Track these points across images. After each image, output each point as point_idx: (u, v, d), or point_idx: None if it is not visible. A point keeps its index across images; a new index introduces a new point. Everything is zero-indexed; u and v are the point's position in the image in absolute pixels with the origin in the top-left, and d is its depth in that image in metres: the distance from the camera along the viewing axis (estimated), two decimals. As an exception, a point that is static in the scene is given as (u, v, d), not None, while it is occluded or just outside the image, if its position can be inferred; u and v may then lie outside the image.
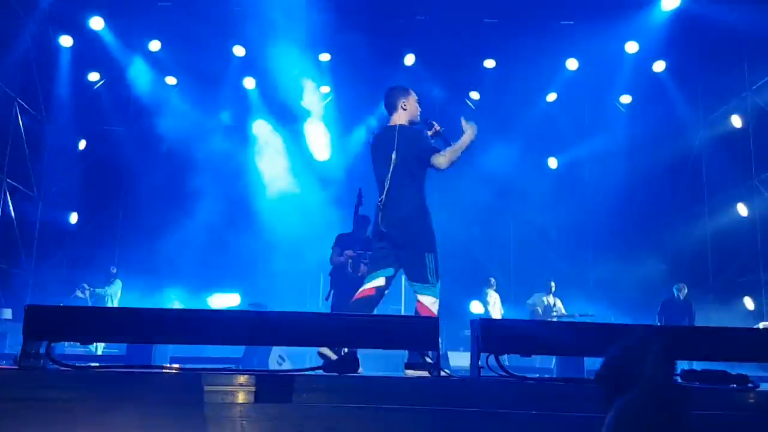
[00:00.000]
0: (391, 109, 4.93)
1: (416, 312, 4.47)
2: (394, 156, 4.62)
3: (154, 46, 13.00)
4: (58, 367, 3.10)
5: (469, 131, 4.69)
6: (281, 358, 9.23)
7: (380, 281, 4.57)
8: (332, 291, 7.22)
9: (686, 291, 10.86)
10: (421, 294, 4.50)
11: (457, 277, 13.68)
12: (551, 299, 11.31)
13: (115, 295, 11.22)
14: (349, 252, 6.91)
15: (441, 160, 4.57)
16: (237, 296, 11.94)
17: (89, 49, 12.95)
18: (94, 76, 13.68)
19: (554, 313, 11.04)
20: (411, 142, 4.69)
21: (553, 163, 14.21)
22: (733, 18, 11.23)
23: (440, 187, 12.71)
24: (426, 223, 4.63)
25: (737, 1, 11.01)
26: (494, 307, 11.55)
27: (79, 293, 10.85)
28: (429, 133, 4.87)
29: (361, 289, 4.59)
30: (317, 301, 12.69)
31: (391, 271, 4.61)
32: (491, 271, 12.53)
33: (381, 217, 4.65)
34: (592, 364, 8.24)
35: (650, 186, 13.91)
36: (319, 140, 13.79)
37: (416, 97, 4.98)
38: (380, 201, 4.67)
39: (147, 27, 12.81)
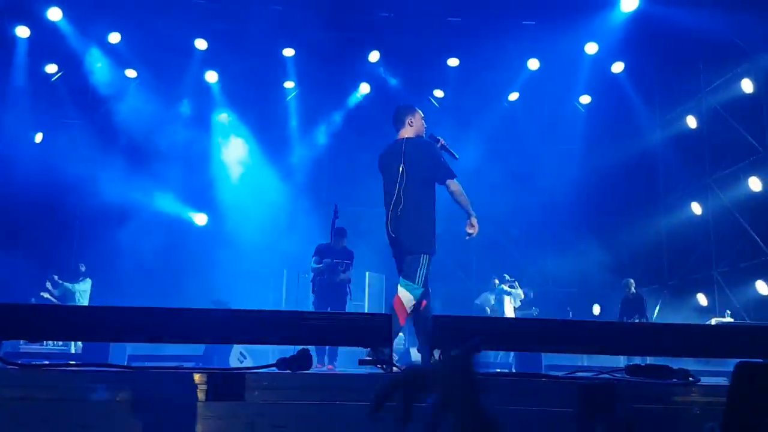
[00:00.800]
0: (399, 124, 5.23)
1: (391, 306, 4.74)
2: (401, 168, 4.94)
3: (114, 38, 12.74)
4: (5, 366, 3.06)
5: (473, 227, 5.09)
6: (242, 355, 9.21)
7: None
8: (315, 293, 8.05)
9: (634, 285, 11.10)
10: (402, 288, 4.75)
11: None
12: (490, 297, 11.58)
13: (85, 293, 11.00)
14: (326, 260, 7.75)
15: (454, 188, 4.98)
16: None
17: (47, 41, 12.64)
18: (51, 68, 13.35)
19: (488, 310, 11.32)
20: (420, 154, 5.00)
21: (513, 159, 14.42)
22: (690, 21, 11.49)
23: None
24: (429, 228, 4.97)
25: (694, 4, 11.28)
26: (508, 304, 11.68)
27: (49, 285, 10.61)
28: None
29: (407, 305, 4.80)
30: (280, 297, 12.67)
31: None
32: (452, 268, 12.66)
33: (392, 227, 4.95)
34: (550, 359, 8.43)
35: (608, 184, 14.21)
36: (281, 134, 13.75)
37: (422, 115, 5.26)
38: (391, 210, 4.97)
39: (106, 18, 12.55)
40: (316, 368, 7.65)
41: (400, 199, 4.92)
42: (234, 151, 13.55)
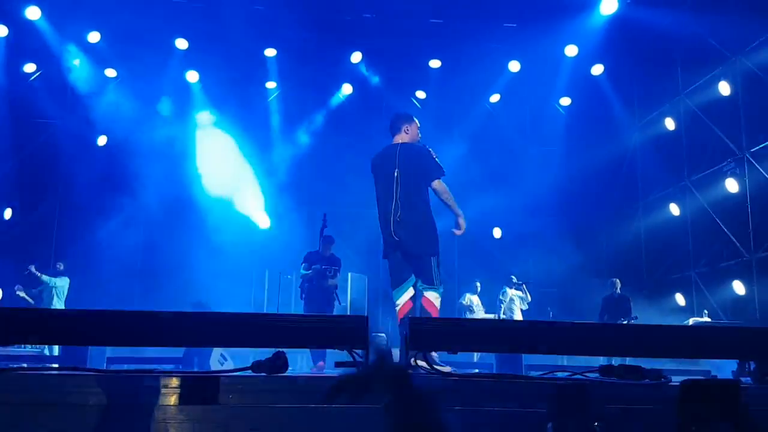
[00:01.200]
0: (395, 130, 5.41)
1: (421, 306, 5.05)
2: (396, 173, 5.11)
3: (93, 37, 12.63)
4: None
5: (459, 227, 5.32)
6: (223, 358, 9.15)
7: (410, 292, 5.12)
8: (304, 297, 8.37)
9: (620, 285, 11.21)
10: (427, 291, 5.08)
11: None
12: (474, 298, 11.66)
13: (63, 289, 10.84)
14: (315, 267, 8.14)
15: (439, 187, 5.16)
16: None
17: (25, 40, 12.50)
18: (30, 67, 13.20)
19: (468, 314, 11.42)
20: (414, 158, 5.18)
21: (495, 162, 14.49)
22: (668, 24, 11.64)
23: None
24: (433, 230, 5.16)
25: (672, 7, 11.42)
26: (517, 306, 11.69)
27: (21, 292, 10.44)
28: None
29: (399, 308, 5.11)
30: (262, 297, 12.63)
31: (412, 279, 5.15)
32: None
33: (393, 229, 5.05)
34: (530, 359, 8.49)
35: (588, 185, 14.34)
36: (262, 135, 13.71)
37: (419, 124, 5.45)
38: (391, 216, 5.08)
39: (86, 18, 12.42)
40: (314, 369, 7.78)
41: (398, 204, 5.07)
42: (215, 150, 13.47)
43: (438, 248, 5.15)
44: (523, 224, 13.59)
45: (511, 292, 11.79)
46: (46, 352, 9.45)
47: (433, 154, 5.29)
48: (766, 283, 10.08)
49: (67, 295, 10.97)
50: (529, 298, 11.94)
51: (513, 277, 11.84)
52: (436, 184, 5.16)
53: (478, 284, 11.89)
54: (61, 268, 11.11)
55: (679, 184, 12.28)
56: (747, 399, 2.44)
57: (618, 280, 11.21)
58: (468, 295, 11.98)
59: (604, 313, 11.11)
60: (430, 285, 5.06)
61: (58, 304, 10.62)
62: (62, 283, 10.88)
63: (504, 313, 11.59)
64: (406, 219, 5.06)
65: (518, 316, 11.60)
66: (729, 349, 4.11)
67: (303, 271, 8.37)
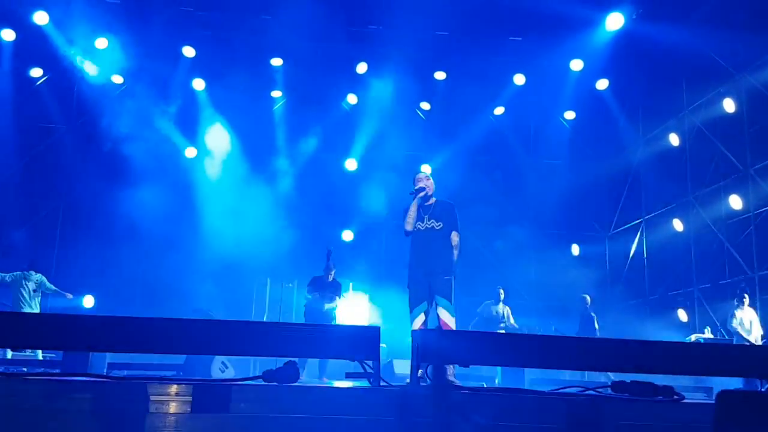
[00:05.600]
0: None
1: (439, 319, 5.63)
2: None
3: (101, 43, 12.65)
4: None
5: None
6: (224, 365, 9.10)
7: (422, 317, 5.71)
8: (306, 318, 8.99)
9: (589, 302, 11.13)
10: (444, 309, 5.64)
11: (404, 287, 13.81)
12: (501, 308, 11.25)
13: (29, 284, 10.10)
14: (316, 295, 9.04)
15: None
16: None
17: (32, 44, 12.52)
18: (36, 72, 13.22)
19: (502, 325, 11.04)
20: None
21: (498, 174, 14.49)
22: (674, 40, 11.68)
23: (391, 197, 12.84)
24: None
25: (678, 24, 11.46)
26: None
27: None
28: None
29: (413, 327, 5.62)
30: (263, 307, 12.59)
31: (425, 305, 5.75)
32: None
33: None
34: (533, 373, 8.45)
35: (591, 199, 14.34)
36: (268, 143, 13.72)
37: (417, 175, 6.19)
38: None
39: (94, 24, 12.45)
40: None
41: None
42: (220, 159, 13.47)
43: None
44: (526, 236, 13.57)
45: (500, 308, 11.40)
46: (40, 356, 9.24)
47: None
48: (769, 301, 10.07)
49: (36, 291, 10.21)
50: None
51: (501, 290, 11.42)
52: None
53: (502, 291, 11.30)
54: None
55: (683, 200, 12.28)
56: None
57: (588, 297, 11.15)
58: (494, 306, 11.37)
59: (579, 328, 11.10)
60: (448, 301, 5.68)
61: (27, 298, 9.95)
62: (32, 278, 10.09)
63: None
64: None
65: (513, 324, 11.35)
66: (735, 367, 4.10)
67: (308, 295, 9.11)
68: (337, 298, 9.10)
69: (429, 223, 5.94)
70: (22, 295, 9.86)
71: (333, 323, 8.89)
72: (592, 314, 11.12)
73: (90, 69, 12.82)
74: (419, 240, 5.94)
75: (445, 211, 5.99)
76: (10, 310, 9.66)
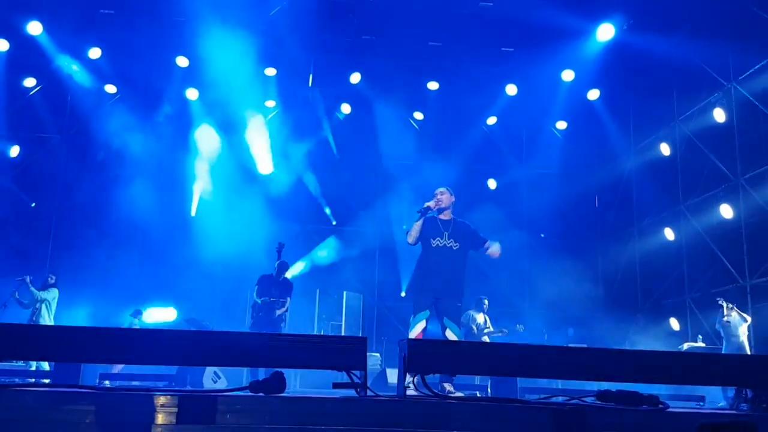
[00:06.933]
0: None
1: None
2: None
3: (95, 53, 12.68)
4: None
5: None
6: (216, 375, 9.09)
7: (423, 324, 5.83)
8: (252, 325, 8.51)
9: (487, 304, 10.85)
10: (452, 333, 5.79)
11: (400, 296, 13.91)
12: (481, 317, 11.14)
13: (51, 302, 10.63)
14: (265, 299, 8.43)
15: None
16: (173, 310, 11.71)
17: (26, 54, 12.55)
18: (30, 82, 13.24)
19: (486, 331, 10.97)
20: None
21: (492, 184, 14.53)
22: (664, 50, 11.79)
23: (387, 205, 12.88)
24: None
25: (668, 35, 11.57)
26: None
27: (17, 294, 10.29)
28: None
29: (413, 331, 5.79)
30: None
31: (428, 313, 5.87)
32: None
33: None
34: (525, 382, 8.45)
35: (583, 209, 14.40)
36: (262, 153, 13.73)
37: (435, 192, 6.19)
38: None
39: (87, 34, 12.50)
40: None
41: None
42: (212, 169, 13.48)
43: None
44: (518, 246, 13.60)
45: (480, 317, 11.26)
46: (33, 367, 9.33)
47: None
48: (760, 309, 10.11)
49: (55, 307, 10.73)
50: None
51: (485, 300, 11.26)
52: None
53: (486, 301, 11.06)
54: (53, 281, 10.83)
55: (674, 209, 12.34)
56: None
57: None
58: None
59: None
60: (456, 323, 5.87)
61: (47, 316, 10.44)
62: (50, 296, 10.61)
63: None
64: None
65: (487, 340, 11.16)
66: (726, 377, 4.13)
67: (255, 296, 8.54)
68: (288, 299, 8.52)
69: (447, 241, 5.95)
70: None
71: (282, 331, 8.36)
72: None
73: (83, 79, 12.84)
74: (433, 256, 5.95)
75: (462, 232, 6.04)
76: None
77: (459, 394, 5.42)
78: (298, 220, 13.51)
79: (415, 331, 5.78)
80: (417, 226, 5.97)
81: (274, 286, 8.44)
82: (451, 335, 5.77)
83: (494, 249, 5.95)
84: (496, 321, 11.15)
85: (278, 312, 8.36)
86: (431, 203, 5.99)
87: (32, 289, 10.38)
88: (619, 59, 12.60)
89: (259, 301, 8.40)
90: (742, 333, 9.54)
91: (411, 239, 6.02)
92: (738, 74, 10.73)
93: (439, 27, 12.64)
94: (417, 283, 6.06)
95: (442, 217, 6.08)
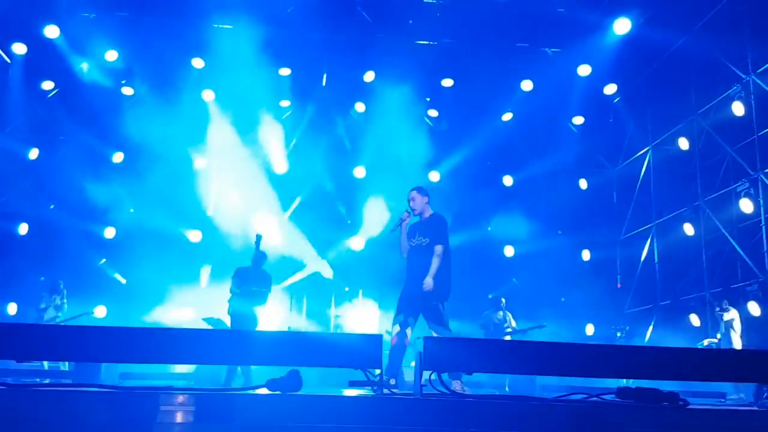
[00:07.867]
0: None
1: None
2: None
3: (111, 56, 12.78)
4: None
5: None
6: (236, 373, 9.12)
7: (397, 328, 5.80)
8: (230, 319, 8.26)
9: (503, 301, 10.96)
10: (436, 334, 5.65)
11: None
12: (501, 314, 11.12)
13: (62, 307, 10.81)
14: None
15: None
16: (191, 310, 11.79)
17: (43, 58, 12.67)
18: (47, 85, 13.37)
19: (507, 329, 10.94)
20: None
21: (508, 180, 14.48)
22: (681, 44, 11.65)
23: (399, 203, 12.81)
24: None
25: (685, 28, 11.44)
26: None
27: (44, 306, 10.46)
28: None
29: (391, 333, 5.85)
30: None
31: (402, 317, 5.83)
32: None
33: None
34: (543, 379, 8.41)
35: (601, 204, 14.27)
36: (277, 152, 13.78)
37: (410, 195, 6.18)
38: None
39: (104, 36, 12.59)
40: None
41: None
42: (228, 169, 13.53)
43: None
44: (536, 243, 13.53)
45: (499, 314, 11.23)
46: (46, 366, 9.45)
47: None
48: (781, 305, 9.98)
49: (66, 310, 10.83)
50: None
51: (502, 299, 11.26)
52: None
53: (503, 299, 11.11)
54: (61, 286, 10.93)
55: (693, 204, 12.20)
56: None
57: (501, 297, 10.97)
58: (490, 313, 11.27)
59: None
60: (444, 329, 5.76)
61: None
62: (61, 302, 10.77)
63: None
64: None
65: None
66: (747, 372, 4.08)
67: (233, 288, 8.28)
68: (268, 292, 8.30)
69: (417, 240, 6.00)
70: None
71: (255, 327, 8.19)
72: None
73: (99, 81, 12.95)
74: (410, 257, 6.04)
75: (432, 226, 6.01)
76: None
77: (468, 390, 5.39)
78: (312, 218, 13.53)
79: (392, 338, 5.79)
80: (402, 238, 6.10)
81: (252, 278, 8.25)
82: None
83: (436, 249, 5.85)
84: (515, 319, 11.10)
85: (255, 308, 8.16)
86: (404, 214, 6.11)
87: (63, 299, 10.56)
88: (636, 53, 12.47)
89: (238, 291, 8.16)
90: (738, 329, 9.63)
91: (403, 253, 6.09)
92: (756, 67, 10.58)
93: (453, 23, 12.58)
94: (404, 286, 6.03)
95: (423, 217, 6.13)
